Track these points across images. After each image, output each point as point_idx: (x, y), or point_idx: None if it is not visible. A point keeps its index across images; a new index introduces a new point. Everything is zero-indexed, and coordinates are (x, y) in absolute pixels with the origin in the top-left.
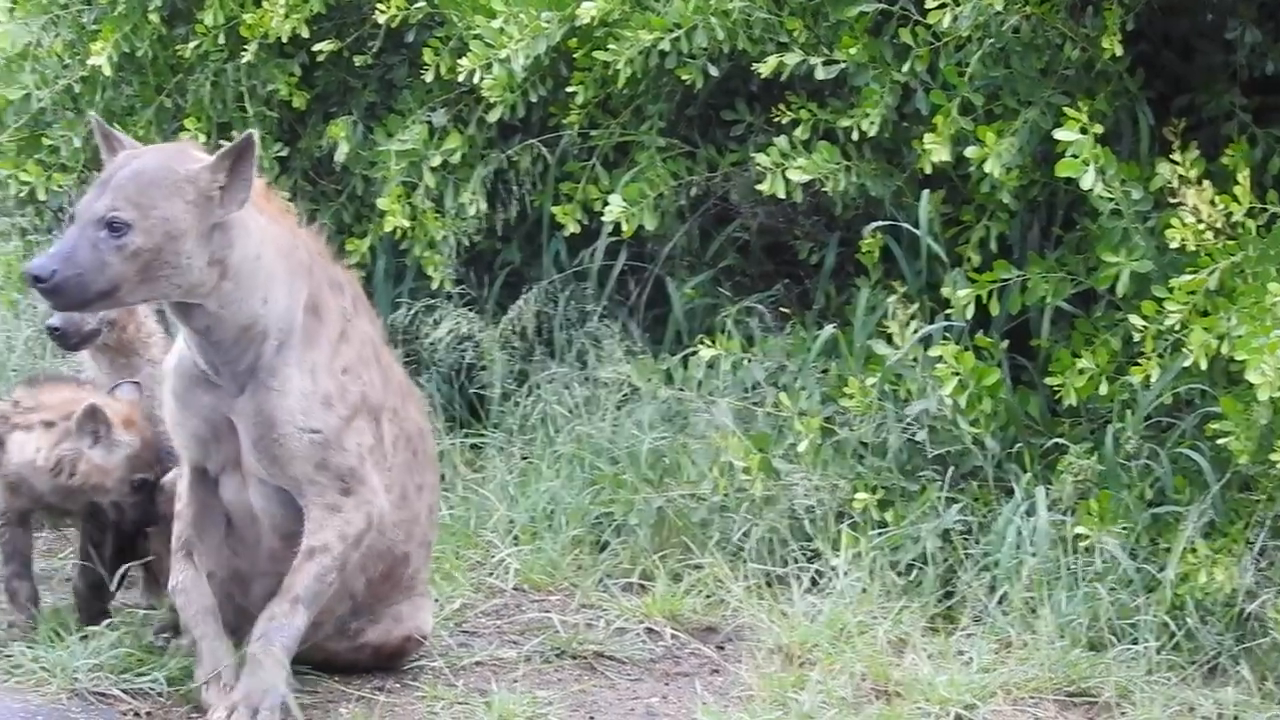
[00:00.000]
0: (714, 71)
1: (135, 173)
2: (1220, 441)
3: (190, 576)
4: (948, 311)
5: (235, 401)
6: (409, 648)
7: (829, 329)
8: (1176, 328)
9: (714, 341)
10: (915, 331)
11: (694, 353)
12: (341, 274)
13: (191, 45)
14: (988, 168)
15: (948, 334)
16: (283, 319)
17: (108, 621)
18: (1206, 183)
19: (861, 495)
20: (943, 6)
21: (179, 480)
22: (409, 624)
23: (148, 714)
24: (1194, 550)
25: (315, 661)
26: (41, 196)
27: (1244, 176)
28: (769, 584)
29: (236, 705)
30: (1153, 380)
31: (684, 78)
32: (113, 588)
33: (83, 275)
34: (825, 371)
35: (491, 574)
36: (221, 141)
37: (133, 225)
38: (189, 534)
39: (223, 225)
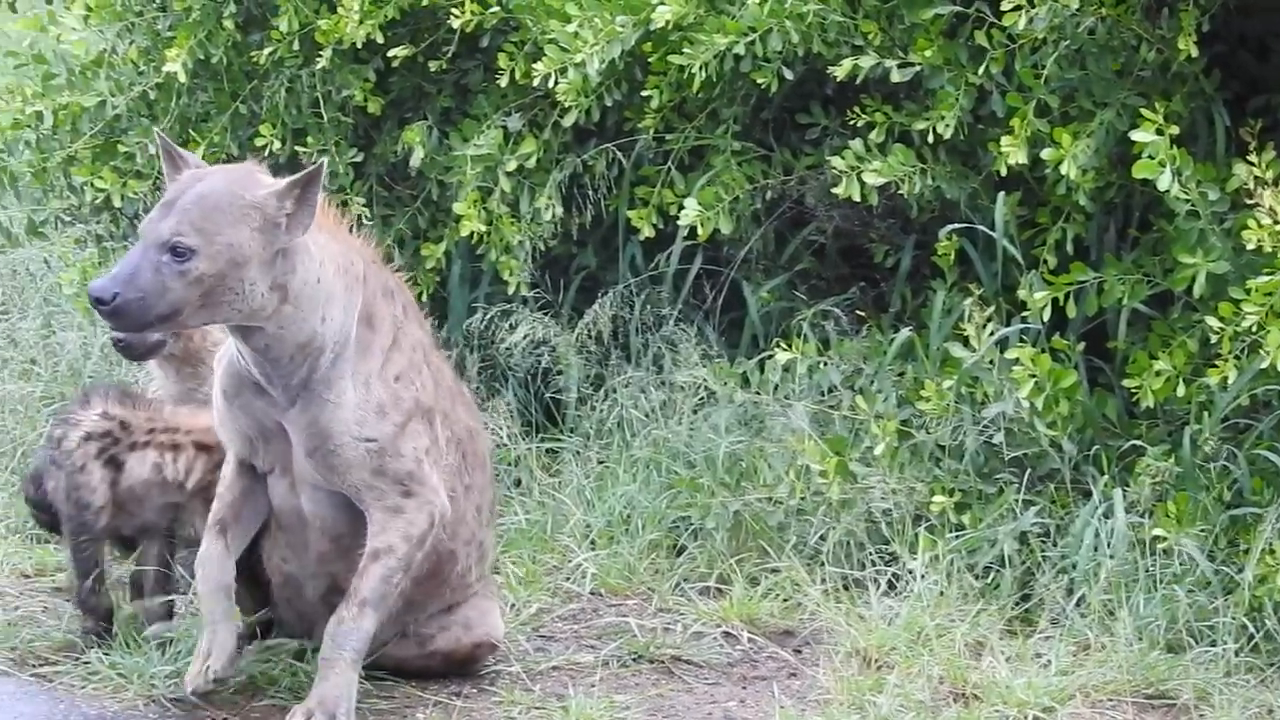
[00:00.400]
0: (789, 75)
1: (201, 196)
2: None
3: (217, 551)
4: (1024, 314)
5: (288, 411)
6: (480, 654)
7: (905, 332)
8: (1254, 329)
9: (790, 345)
10: (992, 334)
11: (770, 356)
12: (392, 280)
13: (266, 51)
14: (1064, 169)
15: (1024, 336)
16: (339, 333)
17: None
18: None
19: (939, 498)
20: (1018, 8)
21: (224, 467)
22: (478, 631)
23: None
24: (1272, 552)
25: (387, 668)
26: (117, 203)
27: None
28: (846, 587)
29: (312, 712)
30: (1230, 381)
31: (759, 81)
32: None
33: (144, 299)
34: (901, 374)
35: (568, 578)
36: (297, 148)
37: (197, 251)
38: (225, 514)
39: (286, 250)
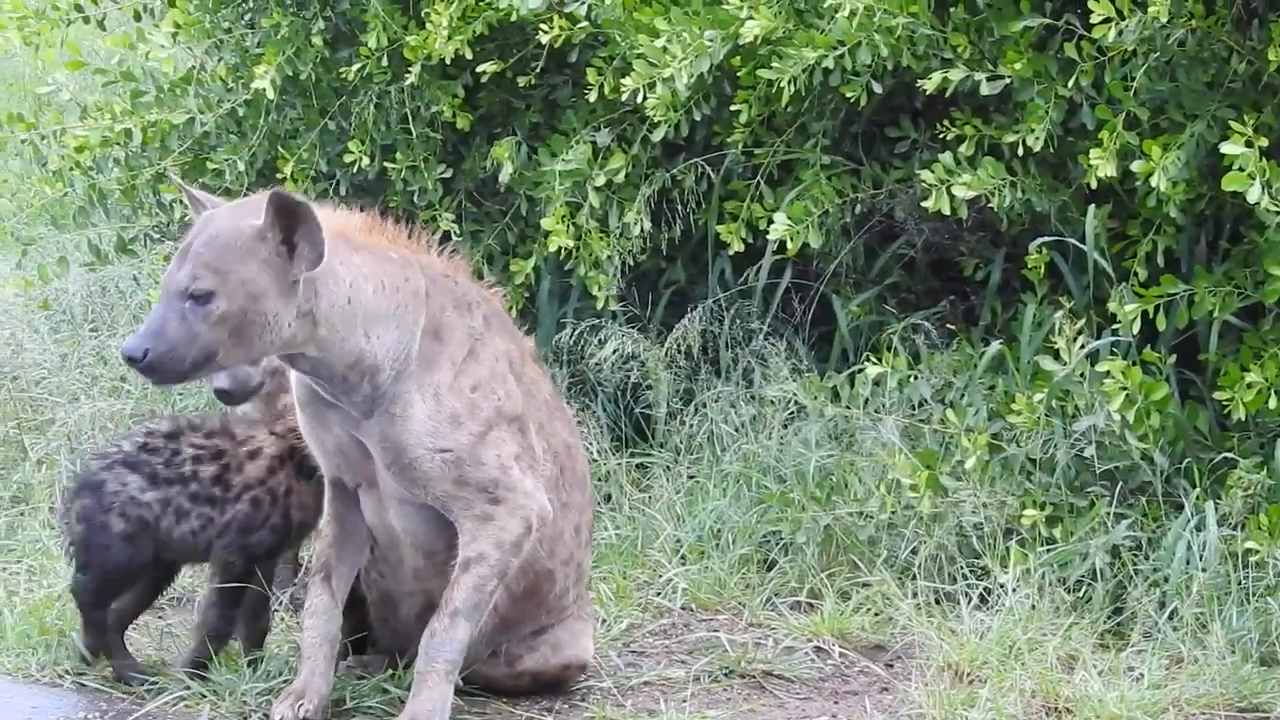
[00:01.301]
0: (878, 88)
1: (209, 238)
2: None
3: (324, 603)
4: (1115, 326)
5: (362, 424)
6: (568, 676)
7: (995, 345)
8: None
9: (880, 359)
10: (1082, 347)
11: (860, 370)
12: (472, 292)
13: (355, 68)
14: (1154, 182)
15: (1115, 349)
16: (394, 350)
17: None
18: None
19: (1030, 511)
20: (1108, 21)
21: (325, 494)
22: (567, 652)
23: None
24: None
25: (476, 685)
26: None
27: None
28: (937, 601)
29: None
30: None
31: (848, 94)
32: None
33: (175, 349)
34: (992, 388)
35: (659, 594)
36: (386, 165)
37: (215, 292)
38: (329, 555)
39: (307, 278)
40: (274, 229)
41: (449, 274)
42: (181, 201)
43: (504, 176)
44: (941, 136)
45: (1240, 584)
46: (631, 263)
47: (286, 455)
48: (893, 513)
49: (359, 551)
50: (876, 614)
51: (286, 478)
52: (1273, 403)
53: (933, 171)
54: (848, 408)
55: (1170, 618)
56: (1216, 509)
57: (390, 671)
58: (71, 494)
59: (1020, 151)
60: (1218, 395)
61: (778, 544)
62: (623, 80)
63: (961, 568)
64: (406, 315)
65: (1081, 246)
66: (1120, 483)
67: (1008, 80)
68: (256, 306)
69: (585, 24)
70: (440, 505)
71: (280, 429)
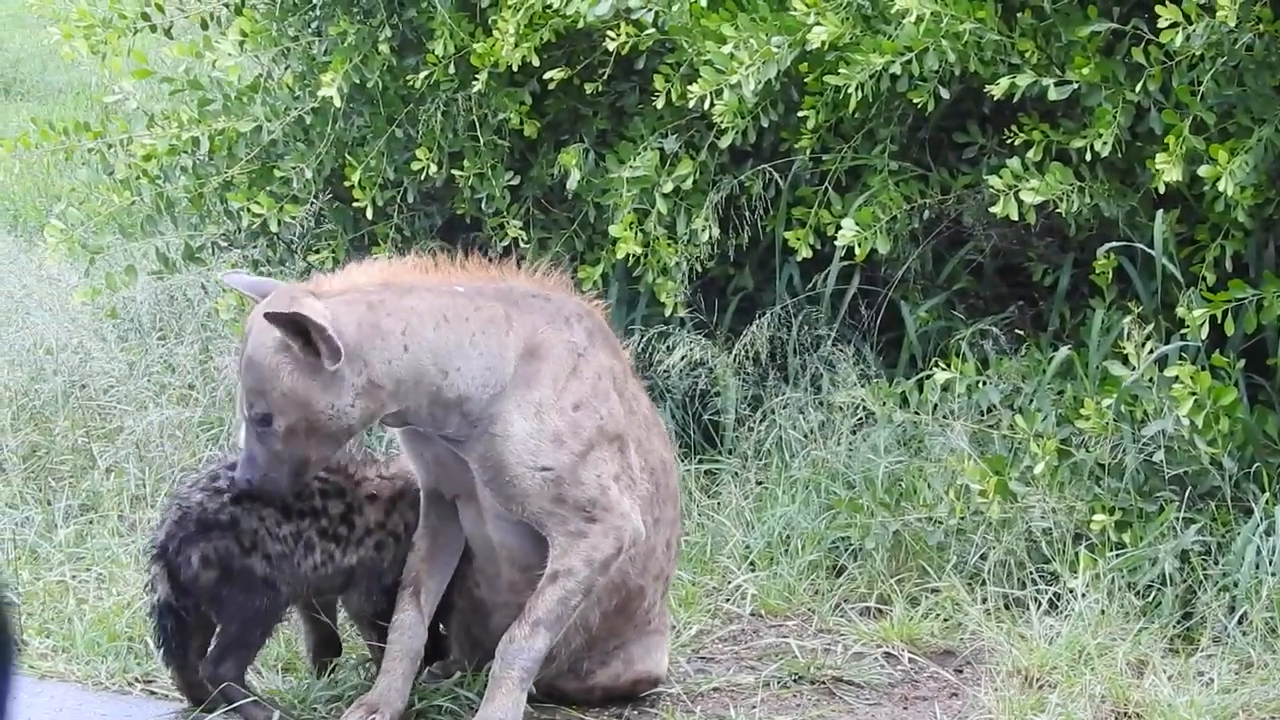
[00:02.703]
0: (945, 94)
1: (247, 364)
2: None
3: (410, 619)
4: (1183, 331)
5: (462, 445)
6: (639, 690)
7: (1064, 350)
8: None
9: (949, 364)
10: (1151, 352)
11: (928, 376)
12: (573, 307)
13: (422, 75)
14: (1221, 186)
15: (1184, 354)
16: (482, 377)
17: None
18: None
19: (1099, 517)
20: (1175, 25)
21: (421, 505)
22: (639, 666)
23: None
24: None
25: (545, 697)
26: (274, 228)
27: None
28: (1007, 606)
29: None
30: None
31: (915, 100)
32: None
33: (269, 473)
34: (1061, 393)
35: (728, 600)
36: (453, 172)
37: (270, 414)
38: (419, 571)
39: (349, 356)
40: (288, 338)
41: (537, 293)
42: (249, 210)
43: (571, 183)
44: (1009, 142)
45: None
46: (699, 269)
47: (399, 495)
48: (961, 518)
49: (449, 566)
50: (946, 619)
51: (401, 516)
52: None
53: (1000, 177)
54: (916, 413)
55: (1240, 622)
56: None
57: (460, 675)
58: (194, 535)
59: (1088, 156)
60: None
61: (846, 550)
62: (690, 87)
63: (1031, 573)
64: (487, 342)
65: (1150, 251)
66: (1189, 487)
67: (1075, 85)
68: (311, 411)
69: (652, 31)
70: (535, 521)
71: (388, 472)
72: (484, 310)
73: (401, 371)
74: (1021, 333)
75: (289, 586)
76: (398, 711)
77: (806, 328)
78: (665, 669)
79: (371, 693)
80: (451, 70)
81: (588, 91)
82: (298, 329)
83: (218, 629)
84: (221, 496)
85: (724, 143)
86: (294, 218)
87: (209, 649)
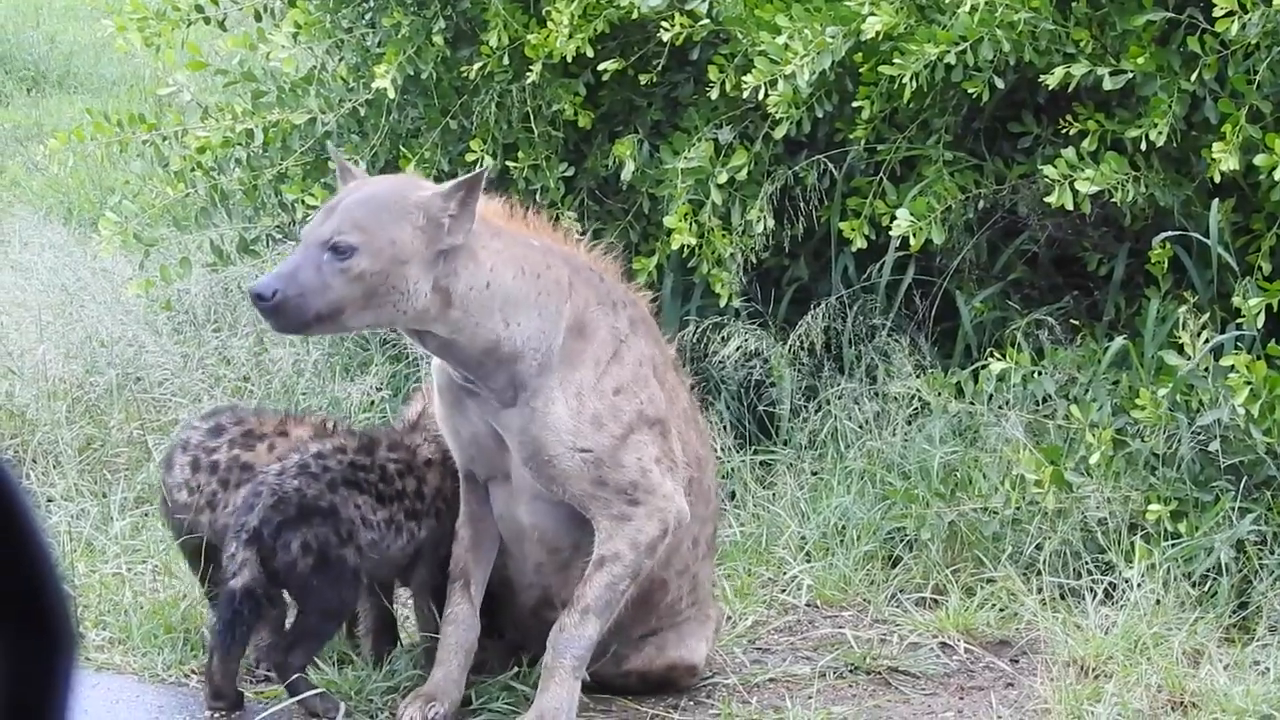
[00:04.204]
0: (1000, 84)
1: (365, 198)
2: None
3: (464, 612)
4: (1239, 321)
5: (501, 414)
6: (674, 676)
7: (1119, 340)
8: None
9: (1004, 354)
10: (1206, 341)
11: (984, 366)
12: (621, 293)
13: (476, 66)
14: (1277, 175)
15: (1239, 343)
16: (536, 340)
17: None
18: None
19: (1154, 506)
20: (1230, 14)
21: (461, 494)
22: (671, 653)
23: None
24: None
25: (587, 685)
26: None
27: None
28: (1062, 597)
29: None
30: None
31: (970, 90)
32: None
33: (304, 296)
34: (1116, 383)
35: (784, 590)
36: (508, 163)
37: (358, 248)
38: (466, 561)
39: (448, 253)
40: (454, 195)
41: (594, 268)
42: (304, 201)
43: (626, 174)
44: (1064, 131)
45: None
46: (754, 260)
47: (447, 455)
48: (1017, 508)
49: (492, 552)
50: (1001, 609)
51: (453, 479)
52: None
53: (1055, 167)
54: (971, 404)
55: None
56: None
57: (516, 670)
58: (294, 520)
59: (1143, 146)
60: None
61: (902, 540)
62: (744, 78)
63: (1086, 563)
64: (549, 304)
65: (1205, 241)
66: (1245, 477)
67: (1130, 75)
68: (398, 271)
69: (706, 21)
70: (578, 503)
71: (429, 434)
72: (553, 270)
73: (473, 304)
74: (1076, 323)
75: (369, 577)
76: (455, 702)
77: (861, 318)
78: (703, 657)
79: (428, 684)
80: (506, 61)
81: (642, 82)
82: (470, 188)
83: (294, 618)
84: (319, 482)
85: (779, 133)
86: None
87: (273, 639)
